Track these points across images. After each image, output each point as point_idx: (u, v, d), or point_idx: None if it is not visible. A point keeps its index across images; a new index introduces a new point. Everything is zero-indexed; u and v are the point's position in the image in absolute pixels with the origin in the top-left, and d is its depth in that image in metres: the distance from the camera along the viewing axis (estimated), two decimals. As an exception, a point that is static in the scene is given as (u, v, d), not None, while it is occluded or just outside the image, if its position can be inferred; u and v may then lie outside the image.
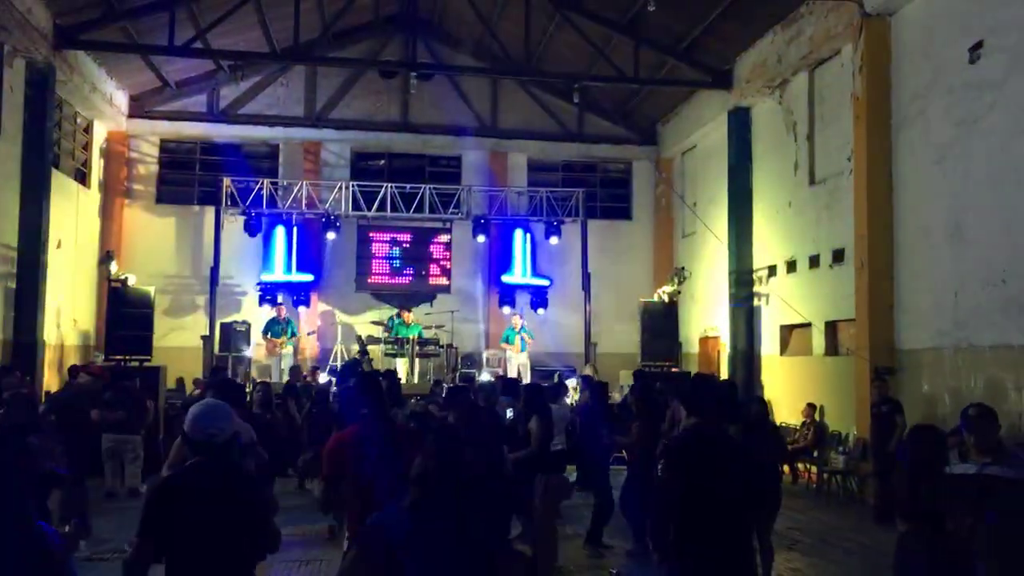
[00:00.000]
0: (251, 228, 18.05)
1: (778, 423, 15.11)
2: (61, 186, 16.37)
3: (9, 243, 14.33)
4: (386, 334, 17.28)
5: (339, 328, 18.42)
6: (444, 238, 19.96)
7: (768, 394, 15.96)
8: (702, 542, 4.51)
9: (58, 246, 15.96)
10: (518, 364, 17.87)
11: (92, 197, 18.61)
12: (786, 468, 13.96)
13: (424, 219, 19.10)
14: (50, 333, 15.52)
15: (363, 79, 20.27)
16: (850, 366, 13.02)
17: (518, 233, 19.72)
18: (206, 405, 3.98)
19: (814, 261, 14.60)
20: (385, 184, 18.69)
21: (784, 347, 15.81)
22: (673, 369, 16.64)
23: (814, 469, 13.50)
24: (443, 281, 19.93)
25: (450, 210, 18.90)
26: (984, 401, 9.69)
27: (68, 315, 16.91)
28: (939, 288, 11.30)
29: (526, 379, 16.90)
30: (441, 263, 19.93)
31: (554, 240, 19.16)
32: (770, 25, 15.35)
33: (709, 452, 4.63)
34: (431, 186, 18.92)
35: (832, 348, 14.15)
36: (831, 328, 14.19)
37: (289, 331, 17.32)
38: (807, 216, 14.92)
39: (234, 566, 3.57)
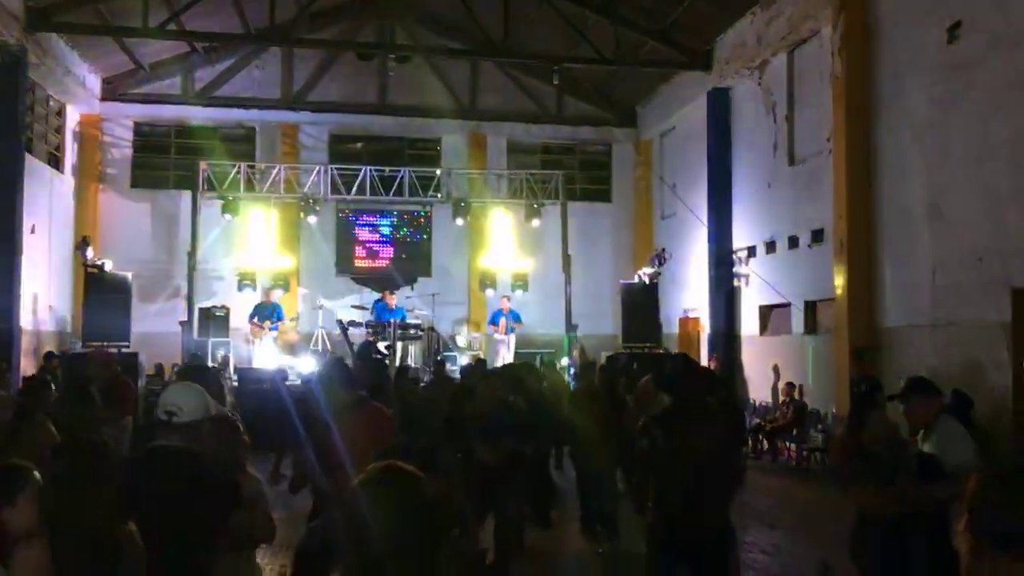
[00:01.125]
0: (228, 213, 17.90)
1: (756, 402, 15.27)
2: (34, 171, 16.11)
3: (-18, 229, 14.11)
4: (369, 317, 17.18)
5: (320, 312, 18.31)
6: (423, 221, 19.91)
7: (748, 373, 16.10)
8: (673, 505, 4.79)
9: (32, 231, 15.73)
10: (502, 346, 17.87)
11: (66, 182, 18.34)
12: (766, 445, 14.10)
13: (404, 202, 19.01)
14: (26, 319, 15.32)
15: (340, 61, 20.06)
16: (830, 345, 13.14)
17: (498, 216, 19.68)
18: (174, 384, 3.97)
19: (793, 241, 14.69)
20: (364, 167, 18.56)
21: (764, 327, 15.92)
22: (656, 351, 16.69)
23: (794, 447, 13.63)
24: (423, 264, 19.89)
25: (430, 193, 18.82)
26: (962, 378, 9.84)
27: (44, 301, 16.69)
28: (918, 267, 11.42)
29: (508, 360, 16.92)
30: (421, 246, 19.87)
31: (534, 222, 19.12)
32: (749, 6, 15.37)
33: (681, 425, 4.91)
34: (410, 169, 18.81)
35: (812, 327, 14.26)
36: (811, 308, 14.30)
37: (275, 316, 17.13)
38: (786, 197, 15.00)
39: (179, 551, 3.43)
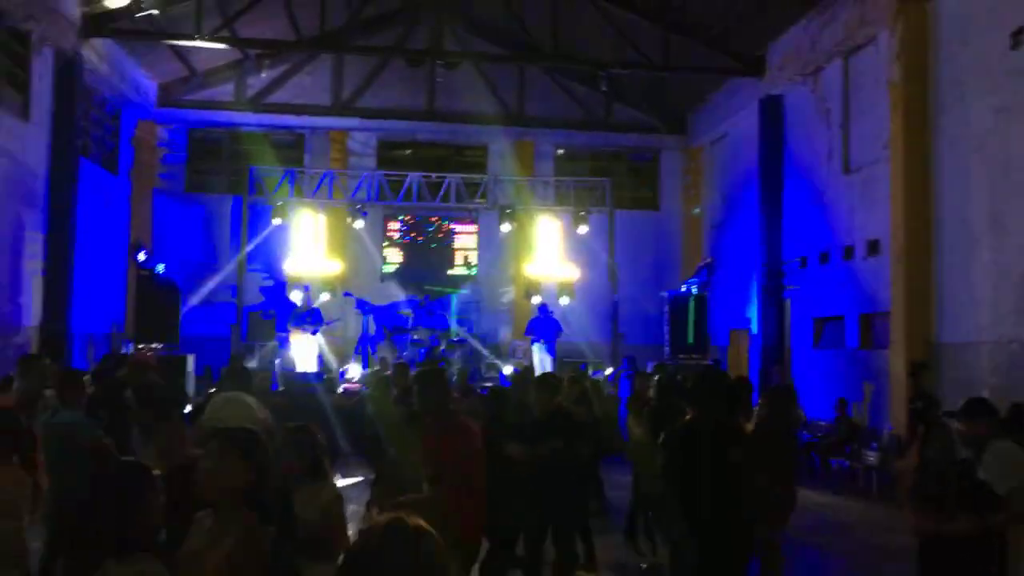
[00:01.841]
0: (278, 217, 18.07)
1: (808, 419, 14.86)
2: (90, 174, 16.42)
3: (38, 231, 14.39)
4: (411, 321, 17.18)
5: (365, 319, 18.36)
6: (470, 228, 19.90)
7: (799, 388, 15.70)
8: (696, 524, 4.73)
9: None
10: (540, 355, 17.66)
11: (121, 185, 18.68)
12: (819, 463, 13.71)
13: (450, 208, 19.00)
14: (80, 321, 15.60)
15: (389, 67, 20.12)
16: (885, 360, 12.75)
17: (544, 223, 19.55)
18: (224, 396, 3.97)
19: (848, 252, 14.31)
20: (411, 173, 18.61)
21: (817, 340, 15.53)
22: (703, 362, 16.39)
23: (847, 465, 13.24)
24: (469, 271, 19.88)
25: (476, 199, 18.79)
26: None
27: (97, 303, 16.99)
28: (978, 281, 11.01)
29: (548, 370, 16.73)
30: (467, 253, 19.87)
31: (581, 230, 18.95)
32: (804, 11, 15.03)
33: (702, 442, 4.85)
34: (457, 175, 18.81)
35: (866, 341, 13.86)
36: (866, 321, 13.90)
37: (313, 320, 17.16)
38: (841, 206, 14.62)
39: None
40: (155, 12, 15.81)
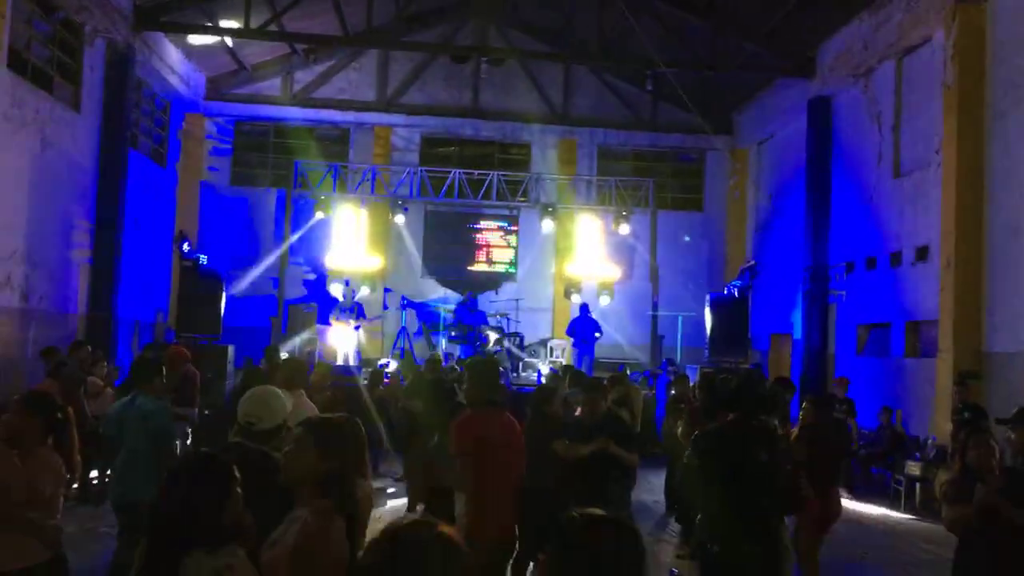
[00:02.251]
0: (320, 211, 18.21)
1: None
2: (138, 166, 16.68)
3: (87, 221, 14.66)
4: (452, 316, 17.18)
5: (403, 313, 18.43)
6: (511, 226, 19.86)
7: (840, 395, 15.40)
8: (724, 526, 4.67)
9: (136, 225, 16.27)
10: (579, 355, 17.55)
11: (168, 177, 18.96)
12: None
13: (492, 206, 18.98)
14: (125, 309, 15.86)
15: (435, 64, 20.18)
16: (931, 369, 12.43)
17: (585, 222, 19.44)
18: (256, 390, 3.98)
19: (896, 258, 13.99)
20: (454, 170, 18.63)
21: (861, 347, 15.21)
22: (744, 366, 16.14)
23: (890, 475, 12.93)
24: (509, 269, 19.84)
25: (518, 197, 18.74)
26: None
27: (143, 291, 17.26)
28: (1032, 290, 10.68)
29: (587, 370, 16.62)
30: (507, 251, 19.83)
31: (623, 230, 18.80)
32: (856, 11, 14.72)
33: (735, 445, 4.81)
34: (499, 173, 18.78)
35: (913, 349, 13.54)
36: (912, 329, 13.58)
37: (356, 314, 17.23)
38: (890, 211, 14.30)
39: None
40: (205, 6, 16.02)
